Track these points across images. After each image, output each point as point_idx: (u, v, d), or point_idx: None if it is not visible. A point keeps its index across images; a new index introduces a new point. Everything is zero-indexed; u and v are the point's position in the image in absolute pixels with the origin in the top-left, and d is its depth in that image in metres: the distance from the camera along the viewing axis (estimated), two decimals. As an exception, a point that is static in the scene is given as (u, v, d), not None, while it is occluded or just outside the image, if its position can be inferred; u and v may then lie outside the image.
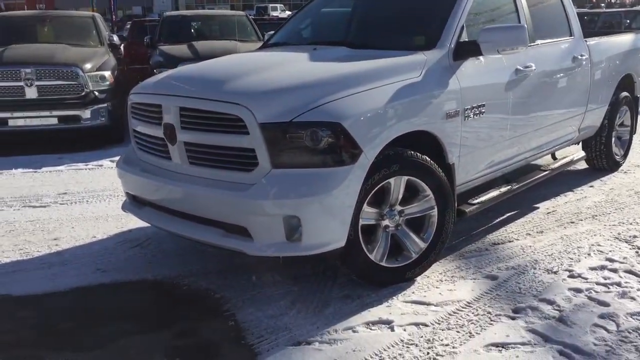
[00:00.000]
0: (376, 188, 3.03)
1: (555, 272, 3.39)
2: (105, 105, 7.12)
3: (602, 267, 3.43)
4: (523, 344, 2.68)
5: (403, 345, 2.68)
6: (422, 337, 2.74)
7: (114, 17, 24.92)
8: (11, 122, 6.87)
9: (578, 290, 3.15)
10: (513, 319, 2.89)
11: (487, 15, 4.01)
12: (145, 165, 3.48)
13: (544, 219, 4.31)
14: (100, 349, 2.75)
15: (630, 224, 4.15)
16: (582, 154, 5.21)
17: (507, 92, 3.82)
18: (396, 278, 3.24)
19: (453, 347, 2.66)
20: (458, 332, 2.78)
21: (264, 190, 2.82)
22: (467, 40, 3.59)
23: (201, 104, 3.03)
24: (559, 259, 3.57)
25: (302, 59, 3.67)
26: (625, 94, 5.39)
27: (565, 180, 5.21)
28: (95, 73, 7.15)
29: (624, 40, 5.51)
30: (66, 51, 7.46)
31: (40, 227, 4.40)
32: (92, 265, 3.68)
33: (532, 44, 4.06)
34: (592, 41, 4.96)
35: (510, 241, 3.88)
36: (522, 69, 3.90)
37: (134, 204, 3.59)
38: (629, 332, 2.75)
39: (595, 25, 15.47)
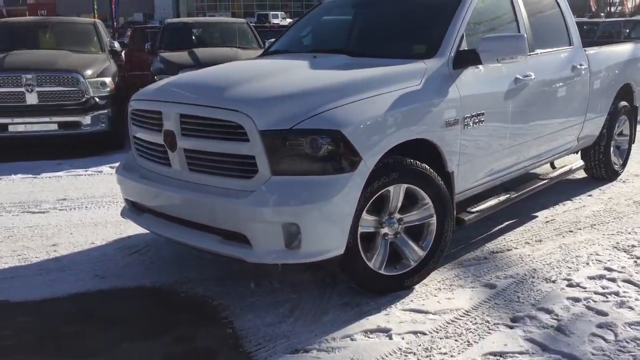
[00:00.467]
0: (375, 196, 3.04)
1: (553, 281, 3.39)
2: (106, 111, 7.13)
3: (601, 277, 3.43)
4: (521, 353, 2.67)
5: (401, 354, 2.67)
6: (420, 345, 2.74)
7: (115, 23, 24.99)
8: (11, 128, 6.88)
9: (576, 300, 3.15)
10: (511, 327, 2.89)
11: (487, 25, 4.04)
12: (144, 172, 3.48)
13: (543, 227, 4.31)
14: (98, 355, 2.75)
15: (629, 233, 4.15)
16: (581, 163, 5.22)
17: (507, 101, 3.83)
18: (395, 286, 3.24)
19: (451, 356, 2.66)
20: (456, 340, 2.78)
21: (263, 198, 2.82)
22: (466, 49, 3.61)
23: (201, 111, 3.04)
24: (557, 268, 3.57)
25: (303, 67, 3.68)
26: (624, 103, 5.41)
27: (564, 189, 5.22)
28: (96, 79, 7.17)
29: (623, 49, 5.53)
30: (67, 57, 7.49)
31: (38, 233, 4.39)
32: (90, 271, 3.67)
33: (531, 53, 4.08)
34: (592, 50, 4.98)
35: (508, 250, 3.88)
36: (521, 78, 3.92)
37: (133, 210, 3.59)
38: (627, 342, 2.74)
39: (595, 35, 15.54)
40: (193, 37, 10.22)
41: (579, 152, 5.33)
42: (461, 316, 3.00)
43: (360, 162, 2.88)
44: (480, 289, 3.31)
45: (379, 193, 3.05)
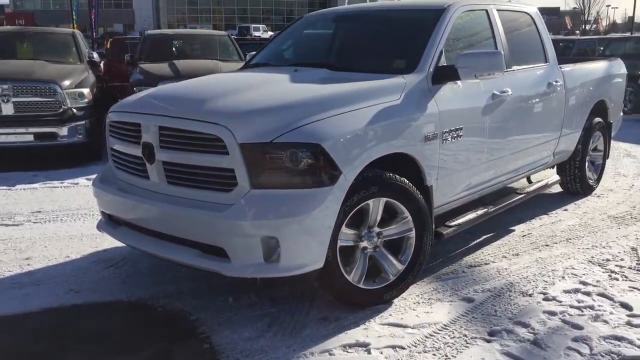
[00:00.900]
0: (355, 209, 3.04)
1: (530, 295, 3.42)
2: (83, 122, 7.05)
3: (576, 290, 3.47)
4: (499, 367, 2.69)
5: (380, 368, 2.67)
6: (398, 359, 2.73)
7: (94, 34, 24.75)
8: (-14, 139, 6.76)
9: (552, 313, 3.18)
10: (489, 341, 2.90)
11: (465, 41, 4.10)
12: (122, 184, 3.44)
13: (520, 241, 4.36)
14: (71, 371, 2.69)
15: (604, 247, 4.22)
16: (557, 177, 5.31)
17: (484, 116, 3.88)
18: (374, 300, 3.24)
19: (430, 370, 2.65)
20: (434, 355, 2.78)
21: (242, 211, 2.80)
22: (445, 64, 3.66)
23: (181, 123, 3.02)
24: (534, 281, 3.61)
25: (283, 80, 3.69)
26: (598, 119, 5.52)
27: (540, 204, 5.29)
28: (74, 90, 7.09)
29: (598, 67, 5.66)
30: (45, 68, 7.40)
31: (12, 246, 4.30)
32: (65, 285, 3.60)
33: (508, 69, 4.14)
34: (567, 68, 5.08)
35: (486, 263, 3.91)
36: (498, 93, 3.98)
37: (110, 223, 3.54)
38: (602, 356, 2.78)
39: (570, 52, 15.87)
40: (173, 49, 10.18)
41: (555, 167, 5.42)
42: (439, 330, 3.01)
43: (340, 176, 2.88)
44: (459, 303, 3.32)
45: (359, 207, 3.06)
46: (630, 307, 3.24)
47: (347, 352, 2.81)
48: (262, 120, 2.90)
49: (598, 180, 5.81)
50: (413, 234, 3.29)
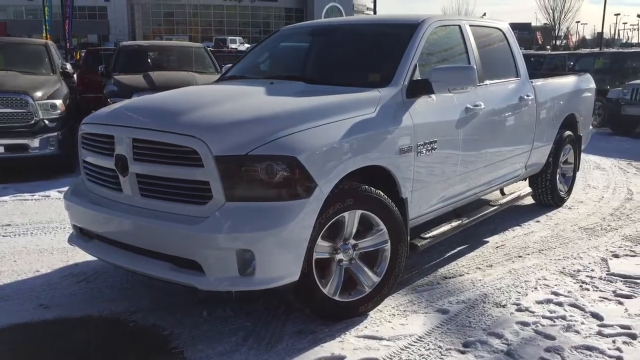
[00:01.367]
0: (331, 222, 3.05)
1: (503, 306, 3.46)
2: (56, 134, 6.94)
3: (548, 301, 3.52)
4: (473, 378, 2.70)
5: (355, 381, 2.66)
6: (374, 372, 2.74)
7: (67, 44, 24.44)
8: (-45, 150, 6.60)
9: (525, 324, 3.22)
10: (463, 353, 2.92)
11: (439, 56, 4.16)
12: (94, 197, 3.39)
13: (493, 253, 4.41)
14: (39, 389, 2.62)
15: (575, 258, 4.29)
16: (529, 190, 5.41)
17: (458, 129, 3.94)
18: (349, 312, 3.24)
19: (405, 383, 2.66)
20: (410, 367, 2.79)
21: (217, 224, 2.78)
22: (419, 79, 3.71)
23: (155, 135, 3.00)
24: (507, 292, 3.65)
25: (259, 93, 3.69)
26: (568, 132, 5.65)
27: (513, 215, 5.37)
28: (46, 101, 6.98)
29: (568, 81, 5.80)
30: (16, 79, 7.28)
31: (-20, 260, 4.20)
32: (34, 300, 3.52)
33: (481, 83, 4.22)
34: (538, 82, 5.19)
35: (461, 275, 3.95)
36: (471, 107, 4.04)
37: (82, 237, 3.48)
38: (574, 365, 2.82)
39: (541, 67, 16.23)
40: (149, 61, 10.11)
41: (527, 179, 5.51)
42: (415, 342, 3.02)
43: (315, 189, 2.89)
44: (434, 315, 3.34)
45: (334, 219, 3.06)
46: (600, 317, 3.30)
47: (323, 365, 2.79)
48: (237, 133, 2.89)
49: (569, 192, 5.93)
50: (388, 246, 3.30)
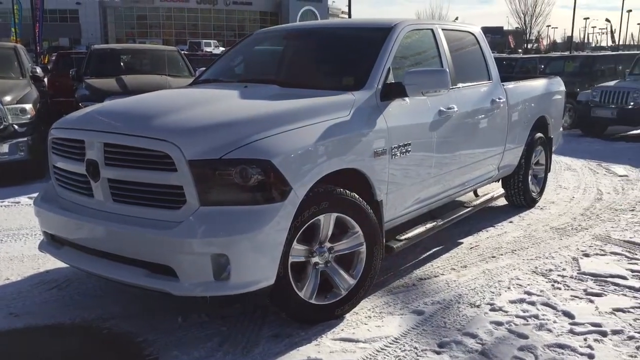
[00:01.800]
0: (306, 225, 3.05)
1: (477, 306, 3.50)
2: (25, 139, 6.79)
3: (521, 300, 3.58)
4: (449, 378, 2.73)
5: (332, 384, 2.66)
6: (351, 375, 2.74)
7: (38, 48, 23.97)
8: None
9: (499, 324, 3.26)
10: (438, 353, 2.95)
11: (412, 59, 4.20)
12: (65, 203, 3.33)
13: (468, 253, 4.46)
14: (9, 400, 2.56)
15: (547, 258, 4.37)
16: (502, 191, 5.49)
17: (432, 131, 3.98)
18: (326, 315, 3.24)
19: (381, 384, 2.66)
20: (386, 368, 2.80)
21: (191, 228, 2.76)
22: (393, 82, 3.73)
23: (127, 140, 2.96)
24: (481, 292, 3.70)
25: (233, 96, 3.68)
26: (539, 134, 5.75)
27: (486, 216, 5.44)
28: (15, 106, 6.83)
29: (538, 84, 5.91)
30: (-16, 82, 7.12)
31: (-54, 268, 4.08)
32: (4, 309, 3.44)
33: (453, 86, 4.27)
34: (510, 85, 5.28)
35: (436, 276, 3.98)
36: (444, 110, 4.09)
37: (52, 243, 3.41)
38: (547, 363, 2.86)
39: (513, 70, 16.50)
40: (121, 64, 9.99)
41: (500, 181, 5.60)
42: (390, 344, 3.03)
43: (290, 192, 2.88)
44: (409, 316, 3.36)
45: (310, 222, 3.06)
46: (572, 316, 3.36)
47: (299, 369, 2.79)
48: (211, 137, 2.88)
49: (541, 193, 6.04)
50: (364, 248, 3.32)
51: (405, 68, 3.91)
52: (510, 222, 5.34)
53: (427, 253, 4.43)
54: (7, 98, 6.81)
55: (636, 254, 4.43)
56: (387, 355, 2.92)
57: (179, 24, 67.10)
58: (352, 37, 4.36)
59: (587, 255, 4.40)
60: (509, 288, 3.77)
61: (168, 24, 66.58)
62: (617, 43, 68.91)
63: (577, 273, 4.04)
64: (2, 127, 6.66)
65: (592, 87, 11.75)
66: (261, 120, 3.08)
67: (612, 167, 8.02)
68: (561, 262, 4.26)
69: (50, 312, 3.41)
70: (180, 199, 2.82)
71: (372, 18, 4.82)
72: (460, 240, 4.76)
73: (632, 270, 4.07)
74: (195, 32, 65.22)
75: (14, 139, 6.71)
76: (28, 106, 6.99)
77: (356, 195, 3.27)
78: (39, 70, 8.56)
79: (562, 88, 6.33)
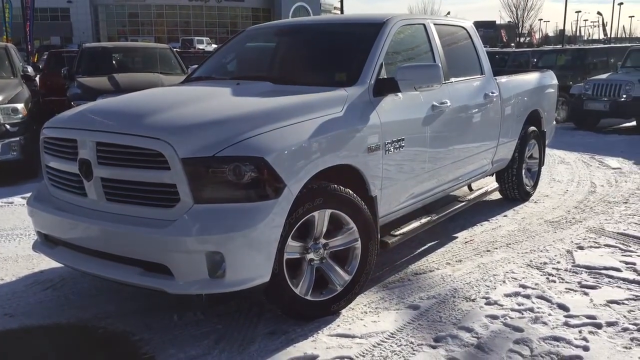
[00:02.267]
0: (300, 222, 3.05)
1: (473, 300, 3.51)
2: (18, 139, 6.76)
3: (516, 294, 3.59)
4: (445, 372, 2.74)
5: (328, 380, 2.66)
6: (347, 370, 2.74)
7: (29, 47, 23.81)
8: None
9: (494, 317, 3.28)
10: (434, 347, 2.96)
11: (405, 55, 4.20)
12: (58, 202, 3.32)
13: (462, 248, 4.47)
14: (5, 401, 2.55)
15: (541, 251, 4.39)
16: (496, 185, 5.50)
17: (425, 126, 3.98)
18: (321, 312, 3.24)
19: (378, 379, 2.67)
20: (382, 363, 2.81)
21: (186, 227, 2.75)
22: (386, 77, 3.73)
23: (120, 138, 2.95)
24: (476, 286, 3.71)
25: (225, 94, 3.66)
26: (533, 128, 5.76)
27: (481, 210, 5.46)
28: (7, 105, 6.80)
29: (531, 78, 5.92)
30: (-25, 82, 7.07)
31: (-61, 270, 4.06)
32: (-2, 310, 3.43)
33: (446, 81, 4.27)
34: (502, 79, 5.29)
35: (431, 271, 3.99)
36: (437, 105, 4.09)
37: (46, 243, 3.40)
38: (542, 357, 2.88)
39: (506, 64, 16.51)
40: (113, 62, 9.94)
41: (494, 175, 5.61)
42: (387, 339, 3.04)
43: (284, 189, 2.88)
44: (405, 311, 3.37)
45: (304, 219, 3.06)
46: (567, 308, 3.38)
47: (296, 365, 2.79)
48: (204, 135, 2.87)
49: (534, 186, 6.06)
50: (359, 244, 3.32)
51: (398, 63, 3.90)
52: (505, 216, 5.36)
53: (422, 248, 4.44)
54: (-1, 98, 6.77)
55: (630, 246, 4.45)
56: (384, 350, 2.92)
57: (170, 21, 66.79)
58: (344, 33, 4.35)
59: (581, 248, 4.43)
60: (504, 282, 3.79)
61: (160, 21, 66.25)
62: (609, 36, 69.18)
63: (572, 266, 4.06)
64: (-7, 127, 6.62)
65: (585, 80, 11.79)
66: (254, 118, 3.07)
67: (606, 160, 8.06)
68: (555, 255, 4.28)
69: (46, 312, 3.40)
70: (174, 197, 2.82)
71: (364, 14, 4.81)
72: (455, 235, 4.77)
73: (626, 263, 4.10)
74: (188, 29, 64.94)
75: (6, 138, 6.68)
76: (20, 106, 6.95)
77: (350, 191, 3.27)
78: (30, 69, 8.50)
79: (555, 81, 6.35)
